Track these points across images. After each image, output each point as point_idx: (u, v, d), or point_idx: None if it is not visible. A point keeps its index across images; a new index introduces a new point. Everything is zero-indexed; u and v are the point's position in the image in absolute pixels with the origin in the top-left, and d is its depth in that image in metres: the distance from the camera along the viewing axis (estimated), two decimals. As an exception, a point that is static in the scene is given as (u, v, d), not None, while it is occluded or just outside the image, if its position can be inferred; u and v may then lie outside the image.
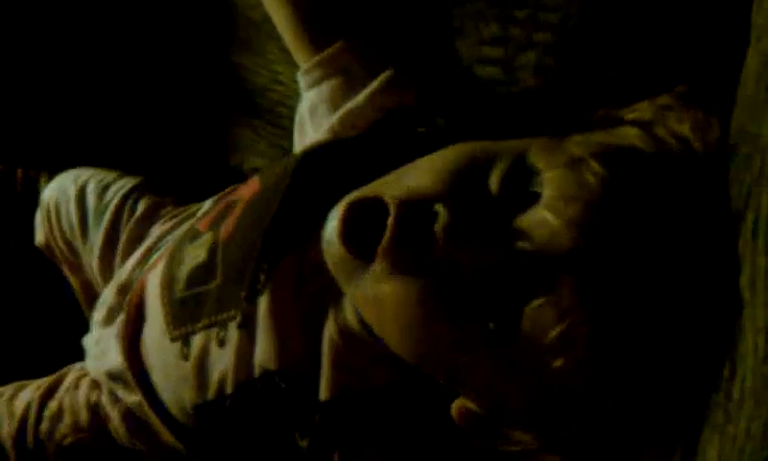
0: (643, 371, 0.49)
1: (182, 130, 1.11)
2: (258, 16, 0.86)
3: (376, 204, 0.52)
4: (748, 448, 0.41)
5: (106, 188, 0.93)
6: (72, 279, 1.01)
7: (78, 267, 0.97)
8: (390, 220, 0.50)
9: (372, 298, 0.53)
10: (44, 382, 0.83)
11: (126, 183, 0.93)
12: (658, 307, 0.48)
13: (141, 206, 0.89)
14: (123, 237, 0.88)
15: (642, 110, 0.56)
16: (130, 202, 0.90)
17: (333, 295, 0.59)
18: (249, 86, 0.97)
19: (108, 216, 0.90)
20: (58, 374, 0.84)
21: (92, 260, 0.91)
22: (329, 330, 0.61)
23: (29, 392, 0.82)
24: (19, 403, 0.81)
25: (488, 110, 0.69)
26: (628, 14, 0.60)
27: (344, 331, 0.61)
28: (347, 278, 0.54)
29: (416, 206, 0.51)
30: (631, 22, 0.60)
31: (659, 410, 0.50)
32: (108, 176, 0.95)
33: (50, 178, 1.02)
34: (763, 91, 0.44)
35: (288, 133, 0.81)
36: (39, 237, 0.99)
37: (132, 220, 0.88)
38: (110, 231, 0.89)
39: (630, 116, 0.56)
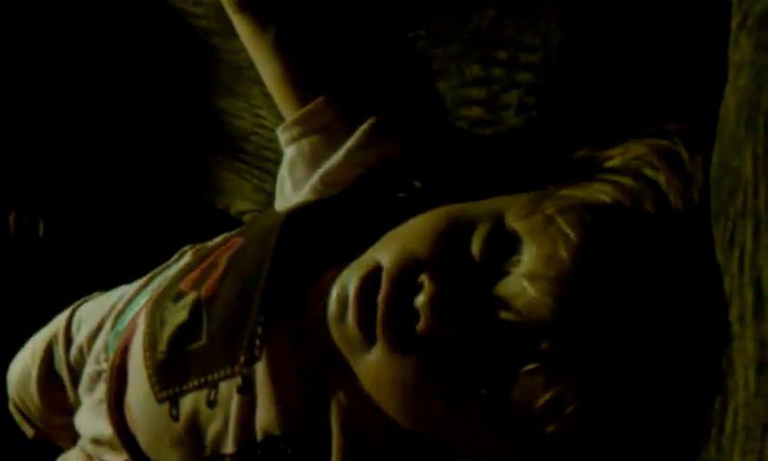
0: (635, 418, 0.49)
1: (168, 175, 1.11)
2: (242, 62, 0.86)
3: (377, 277, 0.54)
4: (743, 482, 0.41)
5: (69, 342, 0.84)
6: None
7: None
8: (380, 300, 0.53)
9: (374, 375, 0.55)
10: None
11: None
12: (645, 360, 0.48)
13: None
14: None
15: (617, 160, 0.57)
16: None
17: (337, 358, 0.58)
18: (233, 131, 0.97)
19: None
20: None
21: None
22: (337, 394, 0.60)
23: None
24: None
25: (470, 162, 0.70)
26: (607, 53, 0.61)
27: (353, 394, 0.59)
28: (353, 354, 0.56)
29: (403, 280, 0.53)
30: (610, 60, 0.61)
31: (652, 449, 0.50)
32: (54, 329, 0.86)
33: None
34: (743, 127, 0.44)
35: (273, 176, 0.81)
36: (29, 432, 0.91)
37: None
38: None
39: (606, 165, 0.57)
